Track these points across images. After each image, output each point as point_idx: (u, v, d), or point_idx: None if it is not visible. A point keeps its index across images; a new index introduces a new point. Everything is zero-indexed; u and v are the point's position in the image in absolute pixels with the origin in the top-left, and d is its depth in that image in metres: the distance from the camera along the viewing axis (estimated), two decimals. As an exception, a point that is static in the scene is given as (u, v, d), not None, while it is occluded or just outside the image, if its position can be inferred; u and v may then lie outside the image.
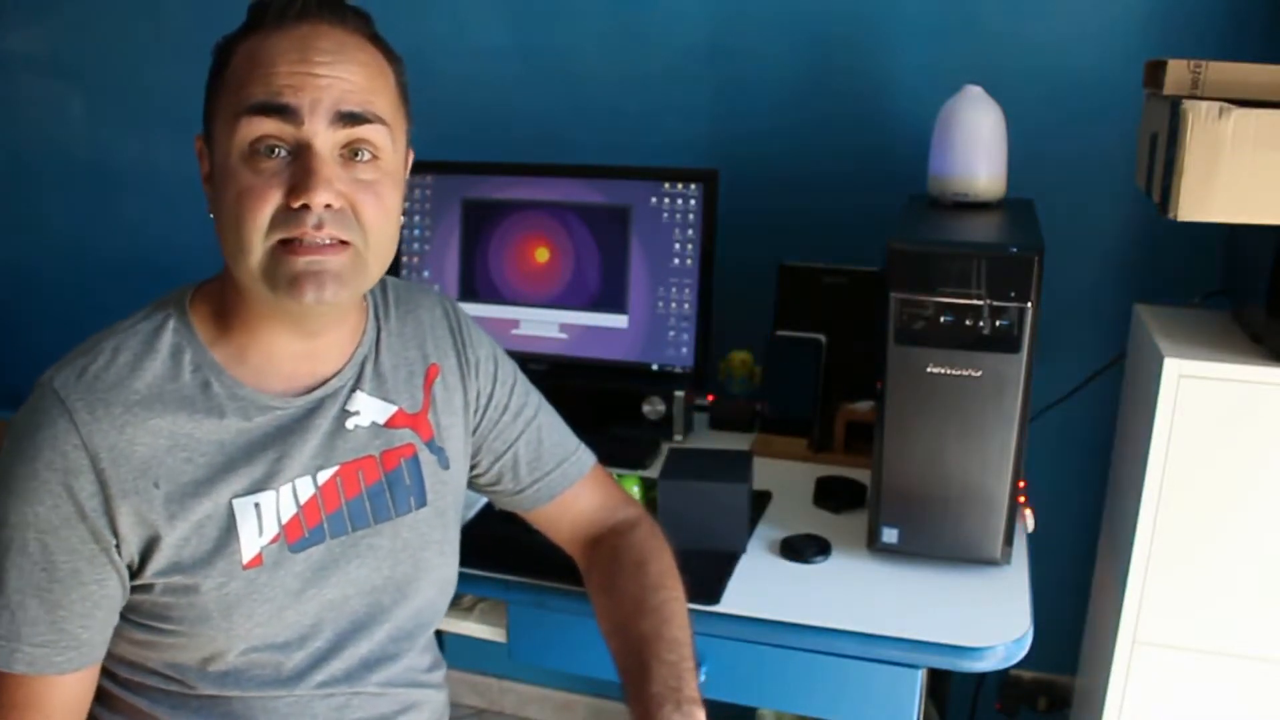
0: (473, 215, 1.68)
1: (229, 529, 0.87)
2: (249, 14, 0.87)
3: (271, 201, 0.83)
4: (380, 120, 0.87)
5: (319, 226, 0.83)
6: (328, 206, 0.83)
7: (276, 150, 0.83)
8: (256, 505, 0.89)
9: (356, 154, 0.86)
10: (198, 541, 0.86)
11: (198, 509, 0.86)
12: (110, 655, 0.90)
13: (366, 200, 0.86)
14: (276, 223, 0.83)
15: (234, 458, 0.88)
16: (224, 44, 0.88)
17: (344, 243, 0.85)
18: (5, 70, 2.25)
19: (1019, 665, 1.15)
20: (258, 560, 0.88)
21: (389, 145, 0.88)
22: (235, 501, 0.88)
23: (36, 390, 0.85)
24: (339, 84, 0.84)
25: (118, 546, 0.84)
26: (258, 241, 0.83)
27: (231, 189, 0.84)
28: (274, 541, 0.89)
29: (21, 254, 2.33)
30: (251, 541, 0.88)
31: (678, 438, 1.63)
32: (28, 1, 2.19)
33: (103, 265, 2.21)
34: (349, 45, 0.86)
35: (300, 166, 0.83)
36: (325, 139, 0.84)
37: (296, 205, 0.82)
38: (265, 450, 0.90)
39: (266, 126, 0.83)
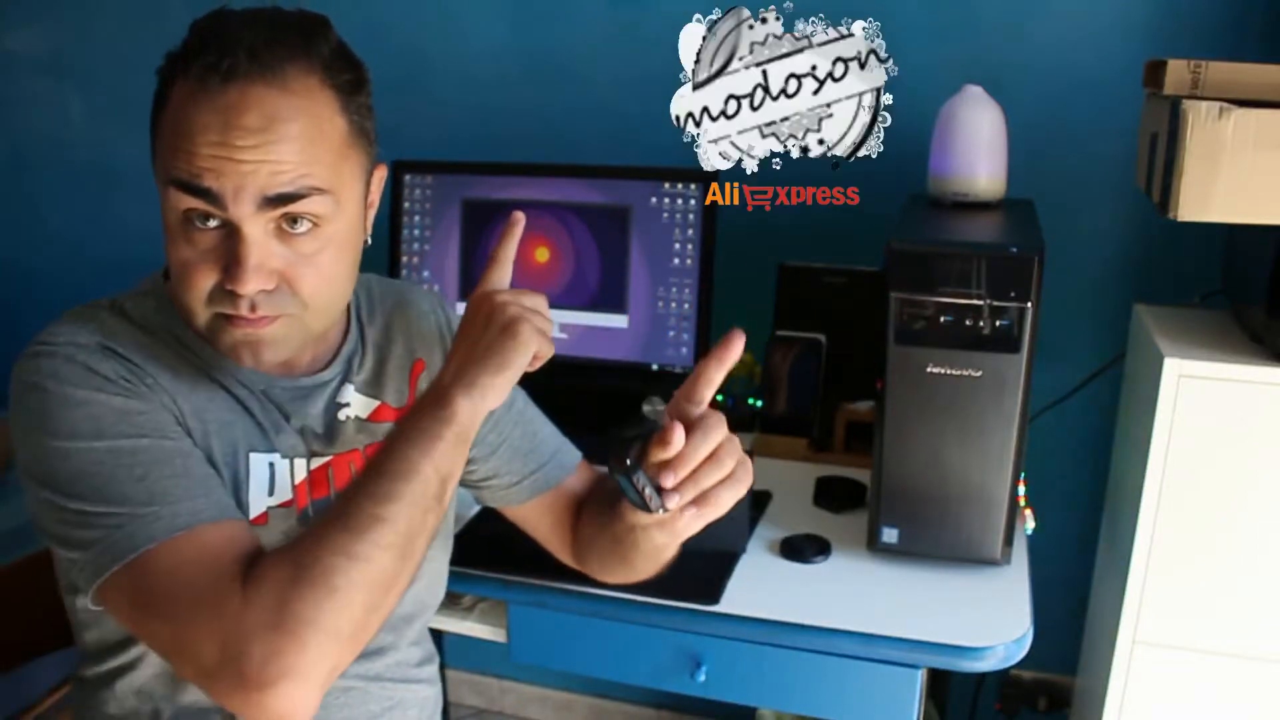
0: (473, 215, 1.68)
1: (242, 480, 0.88)
2: (183, 48, 0.82)
3: (208, 278, 0.81)
4: (318, 191, 0.81)
5: (252, 308, 0.82)
6: (261, 290, 0.81)
7: (210, 219, 0.80)
8: (271, 465, 0.90)
9: (296, 222, 0.82)
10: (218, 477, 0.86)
11: (216, 445, 0.87)
12: (102, 630, 0.89)
13: (304, 275, 0.83)
14: (214, 298, 0.82)
15: (241, 415, 0.90)
16: (164, 72, 0.83)
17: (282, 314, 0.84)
18: (5, 70, 2.25)
19: (1019, 665, 1.15)
20: (263, 519, 0.89)
21: (331, 210, 0.83)
22: (252, 456, 0.89)
23: (49, 340, 0.84)
24: (265, 167, 0.78)
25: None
26: (200, 310, 0.83)
27: (173, 253, 0.83)
28: (284, 505, 0.91)
29: (20, 253, 2.33)
30: (260, 499, 0.89)
31: (678, 438, 1.63)
32: (28, 1, 2.19)
33: (102, 265, 2.20)
34: (281, 112, 0.79)
35: (229, 250, 0.80)
36: (254, 223, 0.79)
37: (229, 288, 0.81)
38: (263, 417, 0.91)
39: (193, 202, 0.79)
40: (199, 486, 0.81)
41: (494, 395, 0.81)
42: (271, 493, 0.90)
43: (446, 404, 0.79)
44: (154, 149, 0.84)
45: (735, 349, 0.83)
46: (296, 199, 0.80)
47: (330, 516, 0.77)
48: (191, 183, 0.79)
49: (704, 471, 0.80)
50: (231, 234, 0.80)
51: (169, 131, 0.81)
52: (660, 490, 0.80)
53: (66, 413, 0.80)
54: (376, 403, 0.99)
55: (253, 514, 0.89)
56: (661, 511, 0.80)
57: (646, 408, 0.83)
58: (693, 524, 0.83)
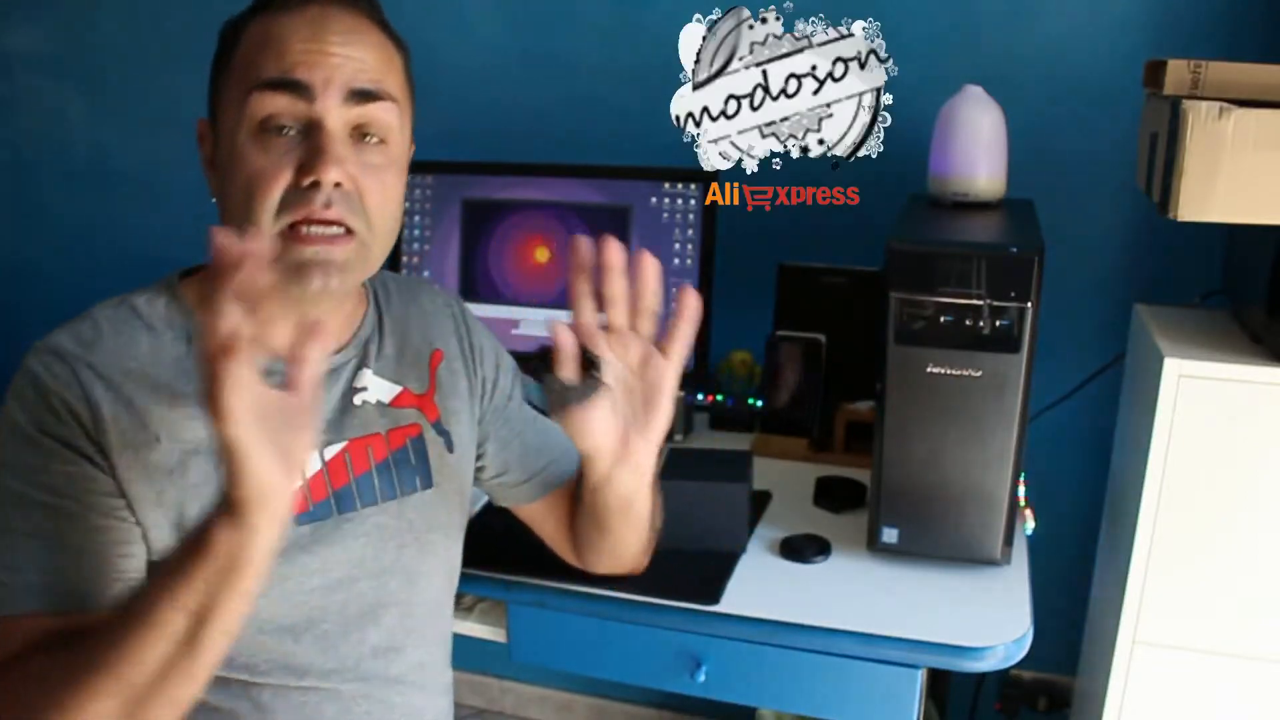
0: (473, 215, 1.68)
1: None
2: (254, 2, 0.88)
3: (282, 181, 0.83)
4: (391, 98, 0.88)
5: (327, 205, 0.83)
6: (337, 185, 0.84)
7: (286, 129, 0.84)
8: None
9: (366, 136, 0.87)
10: (200, 500, 0.86)
11: (200, 466, 0.86)
12: None
13: (372, 185, 0.86)
14: (286, 204, 0.83)
15: None
16: (231, 26, 0.89)
17: (349, 232, 0.85)
18: (5, 70, 2.25)
19: (1019, 665, 1.15)
20: None
21: (398, 126, 0.89)
22: None
23: (33, 355, 0.85)
24: (351, 63, 0.85)
25: (123, 497, 0.84)
26: (267, 224, 0.83)
27: (241, 170, 0.84)
28: None
29: (22, 252, 2.33)
30: None
31: (678, 438, 1.63)
32: (28, 1, 2.19)
33: (103, 263, 2.21)
34: (359, 28, 0.87)
35: (311, 144, 0.83)
36: (337, 117, 0.84)
37: (306, 183, 0.83)
38: None
39: (278, 103, 0.83)
40: (47, 563, 0.80)
41: (265, 529, 0.70)
42: None
43: (203, 532, 0.71)
44: (218, 87, 0.88)
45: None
46: (376, 98, 0.86)
47: (63, 649, 0.75)
48: (283, 78, 0.83)
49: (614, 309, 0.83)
50: (311, 132, 0.84)
51: (251, 50, 0.85)
52: (589, 363, 0.81)
53: (4, 436, 0.83)
54: (399, 388, 0.99)
55: None
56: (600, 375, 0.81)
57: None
58: (650, 426, 0.86)
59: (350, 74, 0.85)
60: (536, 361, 0.82)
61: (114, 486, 0.83)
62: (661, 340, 0.84)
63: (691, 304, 0.84)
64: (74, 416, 0.82)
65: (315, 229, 0.84)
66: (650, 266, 0.83)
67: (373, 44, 0.88)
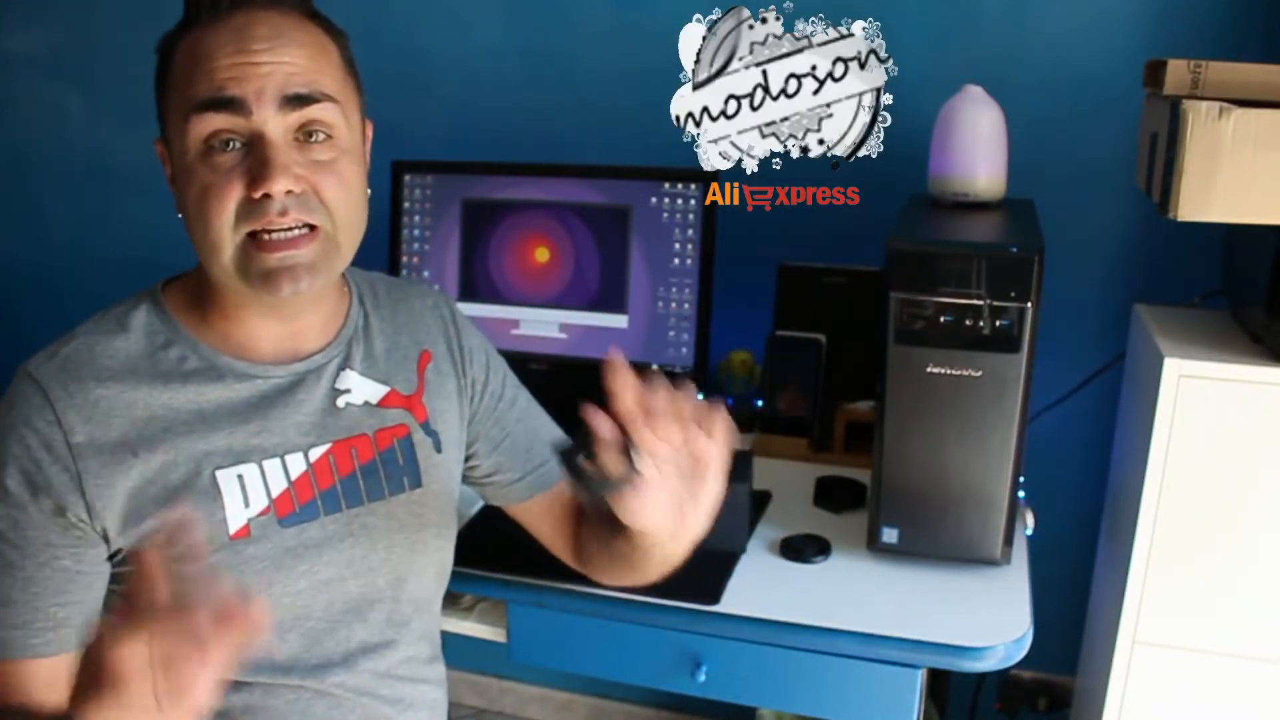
0: (473, 215, 1.68)
1: (213, 499, 0.88)
2: (185, 8, 0.88)
3: (234, 195, 0.84)
4: (329, 98, 0.87)
5: (284, 213, 0.84)
6: (289, 193, 0.84)
7: (231, 143, 0.84)
8: (240, 477, 0.89)
9: (311, 135, 0.86)
10: (180, 506, 0.86)
11: (179, 480, 0.87)
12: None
13: (327, 181, 0.87)
14: (241, 216, 0.84)
15: (215, 427, 0.89)
16: (164, 42, 0.89)
17: (312, 228, 0.86)
18: (5, 70, 2.25)
19: (1019, 665, 1.15)
20: (245, 532, 0.89)
21: (342, 122, 0.88)
22: (218, 473, 0.88)
23: (13, 383, 0.87)
24: (281, 69, 0.84)
25: (93, 522, 0.84)
26: (227, 237, 0.84)
27: (193, 188, 0.85)
28: (263, 514, 0.90)
29: (22, 252, 2.33)
30: (238, 513, 0.89)
31: (678, 438, 1.63)
32: (28, 1, 2.19)
33: (103, 263, 2.21)
34: (286, 28, 0.86)
35: (256, 157, 0.84)
36: (276, 125, 0.84)
37: (257, 196, 0.83)
38: (247, 421, 0.90)
39: (216, 122, 0.83)
40: (14, 616, 0.82)
41: None
42: (248, 504, 0.90)
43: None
44: (163, 108, 0.88)
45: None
46: (312, 101, 0.85)
47: None
48: (216, 96, 0.83)
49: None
50: (255, 145, 0.84)
51: (182, 69, 0.85)
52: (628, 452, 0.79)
53: None
54: (386, 389, 0.99)
55: (234, 528, 0.88)
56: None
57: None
58: (701, 499, 0.83)
59: (281, 81, 0.84)
60: (576, 445, 0.80)
61: (65, 533, 0.84)
62: (702, 420, 0.82)
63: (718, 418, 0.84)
64: (45, 447, 0.83)
65: (276, 235, 0.85)
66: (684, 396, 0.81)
67: (301, 43, 0.86)
